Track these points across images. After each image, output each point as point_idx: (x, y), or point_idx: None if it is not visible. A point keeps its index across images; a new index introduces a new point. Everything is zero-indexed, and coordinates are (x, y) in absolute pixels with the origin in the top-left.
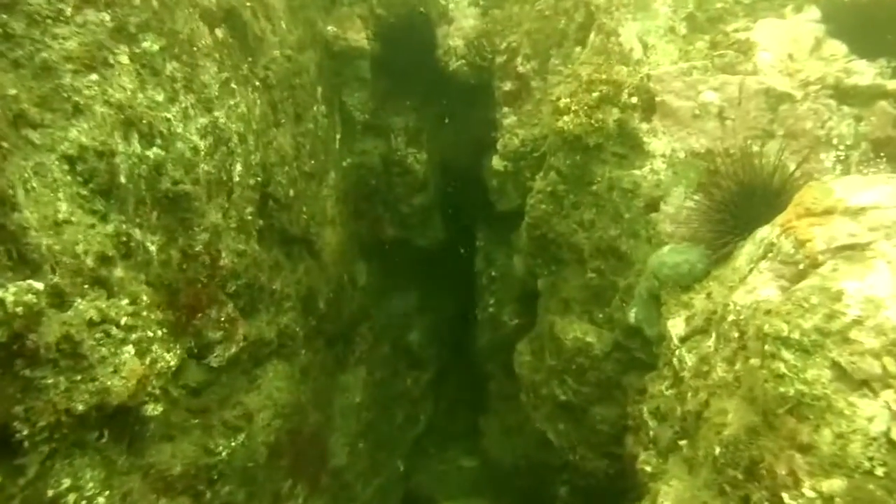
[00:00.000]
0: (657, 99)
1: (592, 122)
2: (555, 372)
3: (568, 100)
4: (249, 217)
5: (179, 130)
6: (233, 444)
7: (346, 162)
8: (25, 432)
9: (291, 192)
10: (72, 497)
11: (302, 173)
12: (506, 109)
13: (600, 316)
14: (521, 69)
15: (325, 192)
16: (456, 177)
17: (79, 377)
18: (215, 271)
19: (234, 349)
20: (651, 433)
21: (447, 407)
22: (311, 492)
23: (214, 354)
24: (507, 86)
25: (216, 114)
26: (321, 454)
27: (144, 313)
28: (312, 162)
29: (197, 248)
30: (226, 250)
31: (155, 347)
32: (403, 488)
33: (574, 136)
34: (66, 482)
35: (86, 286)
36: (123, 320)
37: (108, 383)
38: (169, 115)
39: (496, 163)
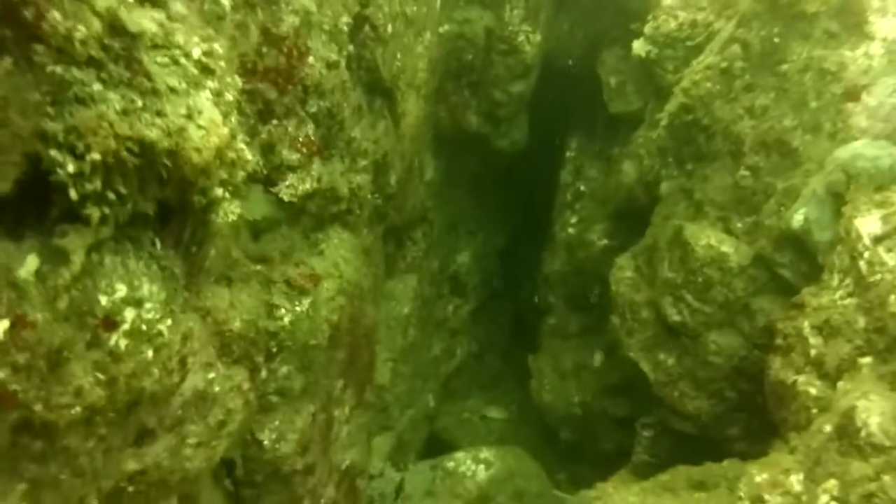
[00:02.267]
0: None
1: None
2: (671, 286)
3: None
4: (344, 28)
5: None
6: (297, 309)
7: (444, 28)
8: (70, 168)
9: (390, 28)
10: (130, 313)
11: (403, 13)
12: None
13: (739, 225)
14: None
15: (419, 49)
16: (559, 73)
17: (139, 101)
18: (300, 72)
19: (308, 185)
20: (812, 352)
21: (478, 350)
22: (357, 402)
23: (287, 184)
24: None
25: None
26: (371, 359)
27: (223, 64)
28: (415, 8)
29: (283, 30)
30: (315, 54)
31: (233, 118)
32: (429, 428)
33: (789, 0)
34: (122, 290)
35: None
36: (196, 53)
37: (184, 125)
38: None
39: (638, 47)
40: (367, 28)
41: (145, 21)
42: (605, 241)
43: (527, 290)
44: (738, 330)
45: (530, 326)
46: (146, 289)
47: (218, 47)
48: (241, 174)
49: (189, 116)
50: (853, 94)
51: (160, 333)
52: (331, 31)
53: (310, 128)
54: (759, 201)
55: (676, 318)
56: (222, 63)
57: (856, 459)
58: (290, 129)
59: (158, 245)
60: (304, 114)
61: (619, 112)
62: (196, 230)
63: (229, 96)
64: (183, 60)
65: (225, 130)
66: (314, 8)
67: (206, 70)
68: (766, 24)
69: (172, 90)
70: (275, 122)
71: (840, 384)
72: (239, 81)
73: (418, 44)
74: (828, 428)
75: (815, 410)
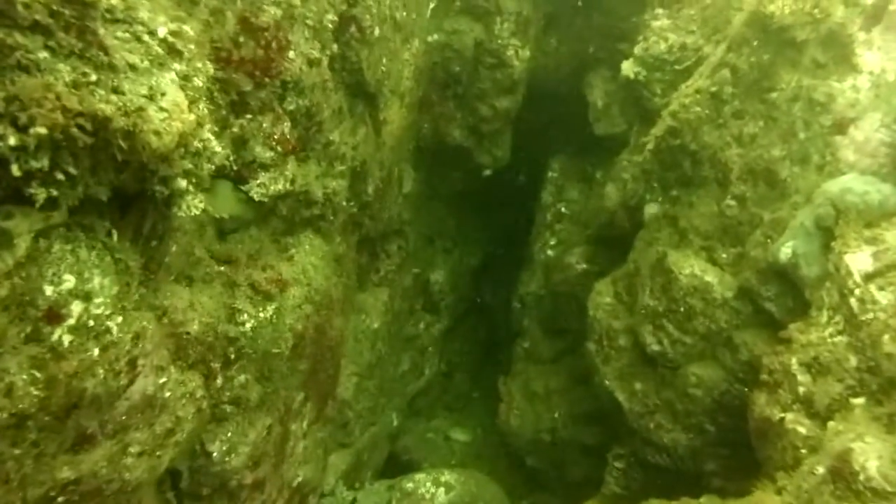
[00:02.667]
0: (891, 7)
1: (815, 11)
2: (651, 314)
3: None
4: (329, 26)
5: None
6: (261, 314)
7: (433, 38)
8: (11, 140)
9: (377, 31)
10: (77, 307)
11: (391, 17)
12: (659, 11)
13: (724, 256)
14: None
15: (406, 55)
16: (547, 91)
17: (93, 75)
18: (279, 66)
19: (281, 185)
20: (801, 390)
21: (446, 369)
22: (316, 416)
23: (258, 182)
24: None
25: None
26: (335, 373)
27: (192, 47)
28: (404, 13)
29: (263, 20)
30: (296, 49)
31: (201, 105)
32: (390, 447)
33: (779, 27)
34: (70, 281)
35: None
36: (162, 32)
37: (144, 105)
38: None
39: (627, 68)
40: (353, 28)
41: None
42: (583, 266)
43: (501, 311)
44: (720, 363)
45: (503, 348)
46: (97, 281)
47: (188, 29)
48: (207, 166)
49: (150, 97)
50: (841, 127)
51: (108, 331)
52: (314, 28)
53: (286, 125)
54: (745, 232)
55: (656, 347)
56: (192, 46)
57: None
58: (265, 124)
59: (115, 235)
60: (282, 110)
61: (605, 134)
62: (157, 223)
63: (198, 81)
64: (146, 38)
65: (190, 116)
66: (297, 1)
67: (173, 51)
68: (755, 49)
69: (132, 67)
70: (249, 116)
71: (831, 424)
72: (210, 68)
73: (405, 50)
74: (820, 469)
75: (804, 450)
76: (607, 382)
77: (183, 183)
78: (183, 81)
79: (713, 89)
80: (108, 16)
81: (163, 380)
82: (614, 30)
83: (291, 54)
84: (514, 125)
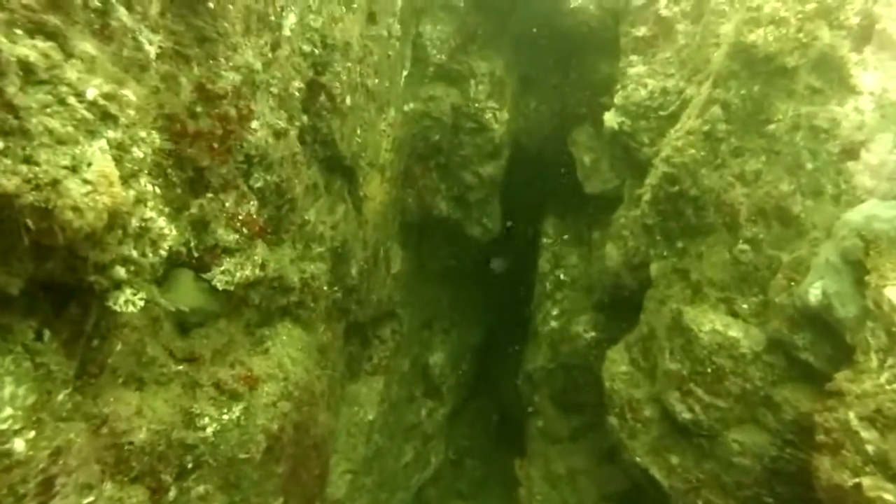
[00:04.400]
0: (878, 26)
1: (801, 36)
2: (676, 379)
3: (779, 4)
4: (296, 94)
5: None
6: (225, 417)
7: (409, 107)
8: None
9: (349, 100)
10: None
11: (363, 85)
12: (634, 58)
13: (745, 306)
14: (664, 12)
15: (382, 125)
16: (529, 155)
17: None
18: (240, 136)
19: (248, 271)
20: (870, 449)
21: (455, 456)
22: None
23: (222, 269)
24: (641, 31)
25: None
26: (322, 473)
27: (132, 112)
28: (377, 81)
29: (220, 86)
30: (260, 119)
31: (143, 178)
32: None
33: (765, 56)
34: None
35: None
36: (91, 94)
37: (60, 178)
38: None
39: (610, 118)
40: (322, 97)
41: (23, 48)
42: (592, 334)
43: (509, 388)
44: (763, 425)
45: (515, 428)
46: (7, 391)
47: (128, 93)
48: (153, 253)
49: (72, 168)
50: (852, 153)
51: (10, 450)
52: (279, 96)
53: (252, 205)
54: (765, 277)
55: (687, 415)
56: (131, 112)
57: None
58: (227, 203)
59: (47, 335)
60: (247, 188)
61: (596, 192)
62: (100, 321)
63: (139, 152)
64: (72, 100)
65: (123, 191)
66: (259, 66)
67: (106, 116)
68: (744, 82)
69: (51, 133)
70: (209, 194)
71: None
72: (157, 138)
73: (381, 120)
74: None
75: None
76: (639, 459)
77: (122, 272)
78: (117, 151)
79: (706, 129)
80: (23, 74)
81: (88, 499)
82: (592, 84)
83: (255, 124)
84: (501, 193)
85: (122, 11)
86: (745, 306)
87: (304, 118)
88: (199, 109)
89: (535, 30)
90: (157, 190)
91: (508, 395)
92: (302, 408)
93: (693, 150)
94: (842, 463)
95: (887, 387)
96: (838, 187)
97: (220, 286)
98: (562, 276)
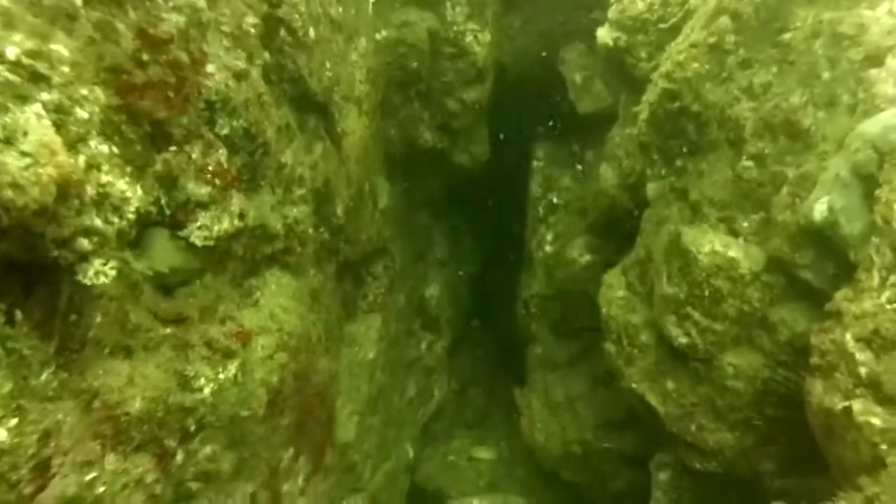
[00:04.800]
0: None
1: None
2: (673, 303)
3: None
4: (252, 31)
5: None
6: (221, 376)
7: (381, 35)
8: None
9: (312, 33)
10: None
11: (326, 15)
12: None
13: (745, 225)
14: None
15: (354, 56)
16: (515, 77)
17: None
18: (196, 82)
19: (227, 224)
20: (863, 371)
21: (458, 387)
22: (314, 469)
23: (198, 224)
24: None
25: None
26: (329, 418)
27: (66, 69)
28: (340, 9)
29: (163, 30)
30: (215, 60)
31: (93, 141)
32: (410, 479)
33: None
34: None
35: None
36: (12, 53)
37: None
38: None
39: (603, 34)
40: (282, 32)
41: None
42: (587, 258)
43: (507, 316)
44: (758, 347)
45: (515, 354)
46: None
47: (59, 47)
48: (121, 218)
49: (6, 141)
50: (876, 59)
51: None
52: (233, 34)
53: (221, 153)
54: (768, 194)
55: (683, 339)
56: (65, 69)
57: None
58: (194, 155)
59: (18, 318)
60: (213, 136)
61: (589, 111)
62: (73, 295)
63: (83, 113)
64: None
65: (70, 159)
66: (203, 4)
67: (36, 77)
68: None
69: None
70: (173, 147)
71: None
72: (102, 95)
73: (352, 51)
74: None
75: (884, 446)
76: (634, 385)
77: (85, 243)
78: (57, 115)
79: (712, 41)
80: None
81: (91, 475)
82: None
83: (210, 68)
84: (489, 118)
85: None
86: (745, 224)
87: (266, 55)
88: (144, 58)
89: None
90: (114, 149)
91: (506, 323)
92: (300, 356)
93: (697, 64)
94: (834, 386)
95: (887, 306)
96: (855, 97)
97: (198, 242)
98: (555, 200)
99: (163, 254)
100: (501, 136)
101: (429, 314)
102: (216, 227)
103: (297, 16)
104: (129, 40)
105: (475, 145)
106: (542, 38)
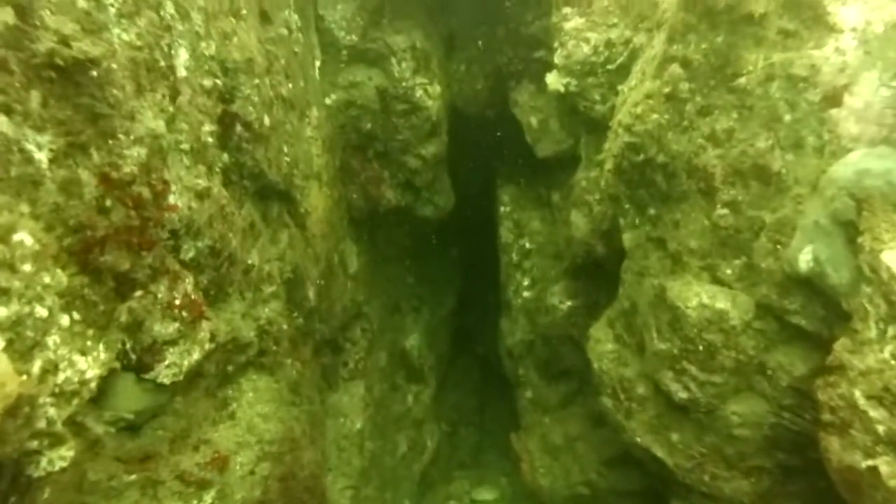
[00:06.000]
0: None
1: None
2: (667, 359)
3: None
4: (209, 140)
5: None
6: None
7: (331, 99)
8: None
9: (267, 120)
10: None
11: (278, 96)
12: (567, 10)
13: (728, 272)
14: None
15: (308, 131)
16: (470, 120)
17: None
18: (161, 216)
19: (196, 355)
20: (880, 429)
21: (449, 428)
22: None
23: (166, 363)
24: None
25: None
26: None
27: (27, 268)
28: (290, 86)
29: (126, 170)
30: (177, 184)
31: (51, 341)
32: None
33: (726, 5)
34: None
35: None
36: None
37: None
38: None
39: (553, 81)
40: (238, 128)
41: None
42: (568, 303)
43: (488, 347)
44: (759, 393)
45: (500, 384)
46: None
47: (24, 236)
48: (80, 398)
49: None
50: (834, 99)
51: None
52: (192, 149)
53: (188, 282)
54: (747, 239)
55: (683, 394)
56: (27, 267)
57: None
58: (160, 294)
59: None
60: (179, 265)
61: (550, 154)
62: (17, 476)
63: (42, 311)
64: None
65: (17, 385)
66: (162, 128)
67: None
68: (704, 35)
69: None
70: (138, 292)
71: None
72: (64, 277)
73: (305, 126)
74: None
75: None
76: (639, 439)
77: (35, 444)
78: (13, 331)
79: (667, 90)
80: None
81: None
82: (523, 39)
83: (172, 198)
84: (449, 164)
85: (1, 121)
86: (728, 272)
87: (225, 157)
88: (108, 203)
89: None
90: (75, 317)
91: (489, 355)
92: (284, 458)
93: (656, 115)
94: (852, 443)
95: (893, 362)
96: (821, 138)
97: (167, 381)
98: (527, 245)
99: (128, 400)
100: (465, 180)
101: (412, 365)
102: (185, 362)
103: (251, 108)
104: (93, 187)
105: (439, 196)
106: (488, 78)
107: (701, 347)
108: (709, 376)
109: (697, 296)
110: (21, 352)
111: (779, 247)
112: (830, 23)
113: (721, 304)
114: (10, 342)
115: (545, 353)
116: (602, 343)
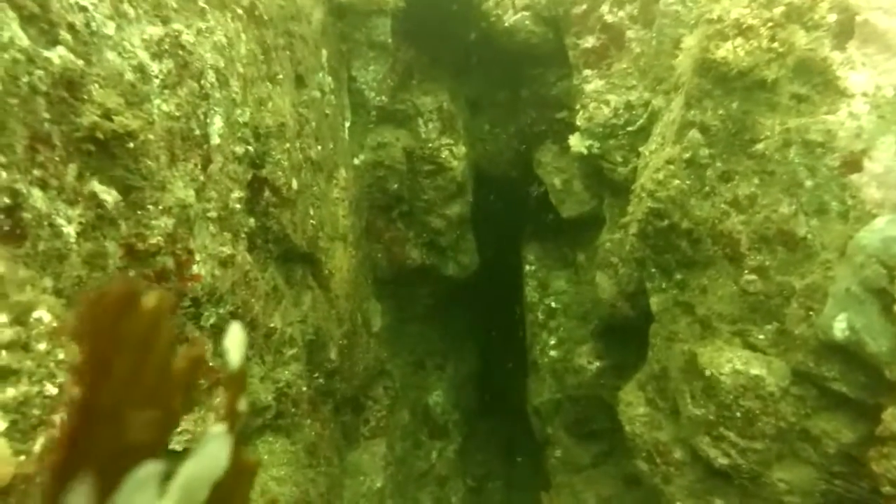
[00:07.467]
0: (858, 18)
1: (775, 45)
2: (704, 425)
3: (746, 11)
4: (237, 206)
5: (109, 32)
6: None
7: (359, 159)
8: None
9: (295, 184)
10: None
11: (307, 159)
12: (588, 73)
13: (761, 337)
14: (609, 18)
15: (335, 193)
16: (494, 181)
17: None
18: (184, 286)
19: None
20: None
21: (475, 484)
22: None
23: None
24: (590, 42)
25: (176, 26)
26: None
27: (42, 346)
28: (319, 148)
29: (152, 241)
30: (201, 252)
31: (59, 418)
32: None
33: (738, 72)
34: None
35: None
36: None
37: None
38: (86, 2)
39: (576, 143)
40: (266, 193)
41: None
42: (596, 364)
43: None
44: (806, 460)
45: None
46: None
47: (42, 313)
48: None
49: None
50: (853, 165)
51: None
52: (220, 217)
53: (208, 348)
54: (778, 305)
55: (724, 461)
56: (42, 346)
57: None
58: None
59: None
60: (198, 331)
61: (574, 215)
62: None
63: (51, 388)
64: None
65: (12, 466)
66: (192, 198)
67: (4, 373)
68: (720, 101)
69: None
70: None
71: None
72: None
73: (333, 188)
74: None
75: None
76: None
77: None
78: (18, 412)
79: (686, 156)
80: None
81: None
82: (546, 99)
83: (196, 267)
84: (474, 222)
85: (36, 195)
86: (761, 337)
87: (251, 221)
88: (131, 273)
89: (474, 59)
90: None
91: (512, 412)
92: None
93: (677, 181)
94: None
95: None
96: (844, 203)
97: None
98: (553, 304)
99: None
100: (490, 239)
101: (436, 422)
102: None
103: (280, 173)
104: (117, 259)
105: (463, 255)
106: (512, 139)
107: (738, 414)
108: (749, 443)
109: (730, 362)
110: (24, 430)
111: (811, 313)
112: (841, 87)
113: (756, 371)
114: (13, 423)
115: (574, 413)
116: (633, 406)
